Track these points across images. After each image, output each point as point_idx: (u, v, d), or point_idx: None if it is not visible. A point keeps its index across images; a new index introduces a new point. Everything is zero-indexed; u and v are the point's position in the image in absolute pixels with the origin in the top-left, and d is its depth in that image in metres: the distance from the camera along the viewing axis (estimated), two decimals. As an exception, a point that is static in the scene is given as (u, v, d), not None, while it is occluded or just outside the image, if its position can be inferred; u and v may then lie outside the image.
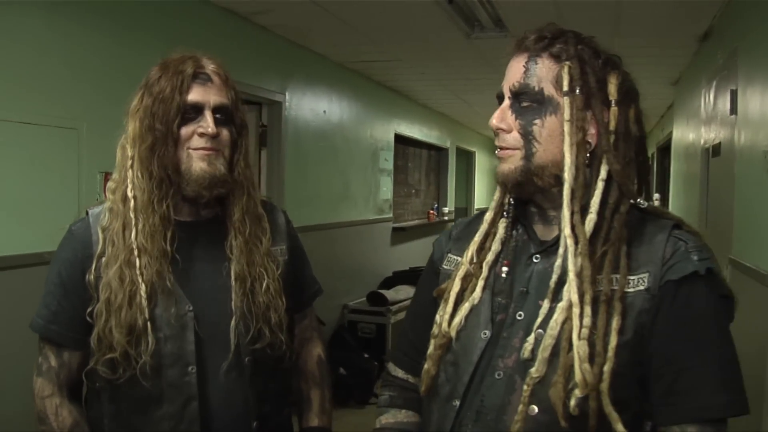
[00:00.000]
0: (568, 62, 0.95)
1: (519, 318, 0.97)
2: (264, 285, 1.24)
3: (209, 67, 1.21)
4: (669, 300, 0.90)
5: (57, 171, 2.31)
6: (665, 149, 6.35)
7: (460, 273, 1.04)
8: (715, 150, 3.22)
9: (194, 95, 1.18)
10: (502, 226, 1.05)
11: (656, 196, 6.21)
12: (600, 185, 0.94)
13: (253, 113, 3.78)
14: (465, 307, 1.01)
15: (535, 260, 1.00)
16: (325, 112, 4.47)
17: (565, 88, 0.94)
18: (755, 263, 2.25)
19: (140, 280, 1.15)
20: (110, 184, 1.23)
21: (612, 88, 0.96)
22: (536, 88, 0.96)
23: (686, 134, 4.53)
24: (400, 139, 6.10)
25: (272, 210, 1.36)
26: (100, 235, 1.18)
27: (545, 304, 0.94)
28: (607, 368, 0.87)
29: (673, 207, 5.33)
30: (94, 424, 1.22)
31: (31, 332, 1.22)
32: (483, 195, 9.53)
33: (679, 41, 3.72)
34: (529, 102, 0.96)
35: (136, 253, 1.16)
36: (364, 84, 5.13)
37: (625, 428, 0.87)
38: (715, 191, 3.29)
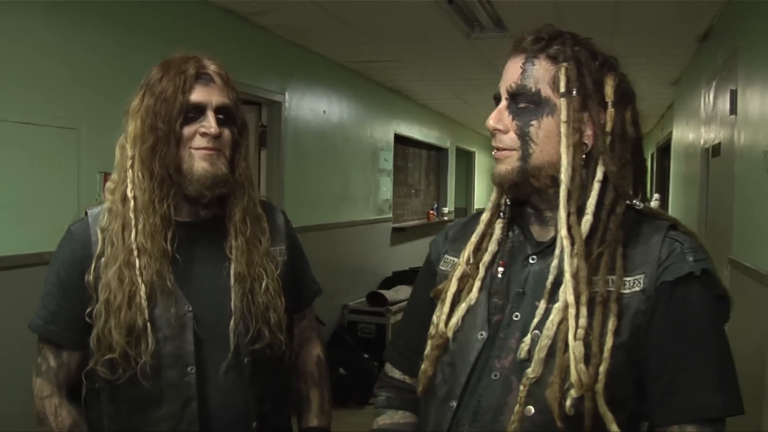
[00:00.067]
0: (565, 63, 0.95)
1: (515, 319, 0.97)
2: (263, 285, 1.24)
3: (211, 67, 1.22)
4: (665, 301, 0.90)
5: (57, 171, 2.31)
6: (665, 149, 6.34)
7: (457, 274, 1.04)
8: (715, 150, 3.21)
9: (197, 95, 1.18)
10: (498, 226, 1.05)
11: (656, 196, 6.21)
12: (596, 186, 0.94)
13: (253, 113, 3.78)
14: (462, 308, 1.01)
15: (531, 261, 1.00)
16: (324, 112, 4.47)
17: (562, 89, 0.95)
18: (755, 263, 2.25)
19: (140, 281, 1.15)
20: (109, 185, 1.22)
21: (609, 90, 0.96)
22: (533, 90, 0.96)
23: (686, 134, 4.53)
24: (399, 139, 6.10)
25: (271, 210, 1.36)
26: (99, 236, 1.18)
27: (541, 305, 0.94)
28: (602, 369, 0.87)
29: (672, 207, 5.33)
30: (93, 425, 1.22)
31: (30, 332, 1.22)
32: (483, 195, 9.51)
33: (679, 41, 3.71)
34: (526, 103, 0.97)
35: (135, 253, 1.16)
36: (363, 84, 5.12)
37: (622, 429, 0.88)
38: (715, 191, 3.29)
